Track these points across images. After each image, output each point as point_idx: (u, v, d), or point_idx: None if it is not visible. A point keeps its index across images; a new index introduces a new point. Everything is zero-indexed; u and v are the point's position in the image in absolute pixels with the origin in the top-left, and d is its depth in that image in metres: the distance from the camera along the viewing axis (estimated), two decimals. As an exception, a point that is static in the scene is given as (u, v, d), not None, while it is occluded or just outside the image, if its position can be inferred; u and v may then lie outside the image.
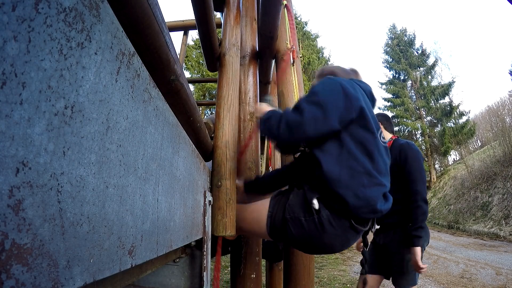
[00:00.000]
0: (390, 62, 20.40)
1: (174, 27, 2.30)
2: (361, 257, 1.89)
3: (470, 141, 17.30)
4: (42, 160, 0.25)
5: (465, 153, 15.43)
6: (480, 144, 17.43)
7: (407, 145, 1.72)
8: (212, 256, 1.26)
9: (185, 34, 2.33)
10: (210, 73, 8.87)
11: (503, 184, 9.14)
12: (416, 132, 18.97)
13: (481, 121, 17.63)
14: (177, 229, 0.67)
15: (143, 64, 0.48)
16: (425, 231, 1.68)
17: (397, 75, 20.31)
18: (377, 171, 0.93)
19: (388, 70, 20.69)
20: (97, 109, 0.34)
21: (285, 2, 1.70)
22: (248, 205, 1.14)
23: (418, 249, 1.57)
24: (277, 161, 2.66)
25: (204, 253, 0.95)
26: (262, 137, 2.22)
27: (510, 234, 7.33)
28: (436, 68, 19.32)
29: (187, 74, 14.32)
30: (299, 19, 17.81)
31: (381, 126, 1.82)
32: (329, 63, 17.55)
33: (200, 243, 0.96)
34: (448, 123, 17.43)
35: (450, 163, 18.09)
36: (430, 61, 19.68)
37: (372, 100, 1.08)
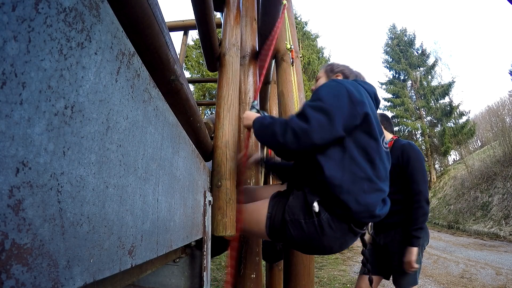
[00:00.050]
0: (390, 62, 20.40)
1: (174, 27, 2.30)
2: (361, 257, 1.89)
3: (470, 141, 17.29)
4: (42, 160, 0.25)
5: (465, 153, 15.43)
6: (480, 144, 17.43)
7: (409, 145, 1.73)
8: (213, 256, 1.26)
9: (185, 34, 2.33)
10: (210, 73, 8.87)
11: (503, 184, 9.14)
12: (416, 132, 18.97)
13: (481, 121, 17.63)
14: (177, 229, 0.67)
15: (143, 64, 0.48)
16: (425, 231, 1.68)
17: (397, 75, 20.31)
18: (377, 177, 0.93)
19: (388, 70, 20.70)
20: (97, 109, 0.34)
21: (284, 2, 1.70)
22: (248, 205, 1.14)
23: (415, 250, 1.58)
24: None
25: (204, 253, 0.95)
26: None
27: (510, 234, 7.33)
28: (436, 68, 19.34)
29: (187, 74, 14.32)
30: (299, 19, 17.81)
31: (382, 127, 1.83)
32: (329, 63, 17.51)
33: (200, 243, 0.96)
34: (448, 123, 17.43)
35: (450, 163, 18.09)
36: (430, 61, 19.69)
37: (376, 102, 1.08)
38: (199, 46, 13.57)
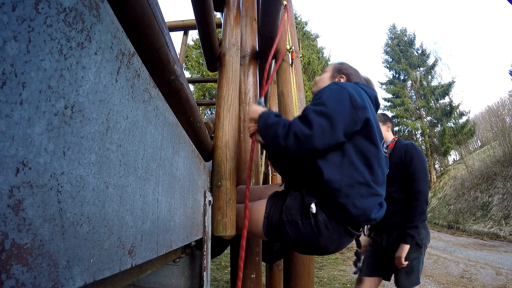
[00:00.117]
0: (390, 62, 20.40)
1: (174, 27, 2.30)
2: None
3: (470, 141, 17.31)
4: (42, 160, 0.25)
5: (465, 153, 15.44)
6: (480, 144, 17.43)
7: (412, 146, 1.76)
8: (212, 257, 1.25)
9: (185, 34, 2.33)
10: (210, 73, 8.87)
11: (503, 184, 9.14)
12: (416, 132, 18.98)
13: (481, 121, 17.64)
14: (177, 229, 0.67)
15: (143, 64, 0.48)
16: (426, 230, 1.69)
17: (397, 75, 20.31)
18: (375, 182, 0.95)
19: (388, 70, 20.71)
20: (97, 109, 0.34)
21: (285, 2, 1.70)
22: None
23: (406, 247, 1.60)
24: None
25: (204, 253, 0.95)
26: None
27: (510, 234, 7.33)
28: (436, 68, 19.36)
29: (187, 74, 14.32)
30: (299, 19, 17.82)
31: (389, 126, 1.85)
32: (329, 63, 17.52)
33: (200, 243, 0.96)
34: (448, 123, 17.44)
35: (450, 163, 18.09)
36: (430, 61, 19.70)
37: (376, 106, 1.09)
38: (199, 46, 13.58)
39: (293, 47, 1.82)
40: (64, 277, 0.28)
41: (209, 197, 1.05)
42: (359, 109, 0.92)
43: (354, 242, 1.13)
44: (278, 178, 2.63)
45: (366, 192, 0.92)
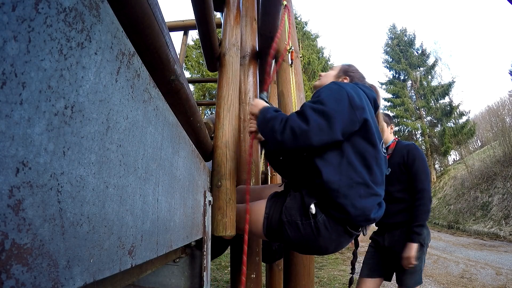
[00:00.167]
0: (390, 62, 20.40)
1: (174, 27, 2.30)
2: (362, 257, 1.89)
3: (470, 141, 17.31)
4: (42, 160, 0.25)
5: (465, 153, 15.44)
6: (480, 144, 17.44)
7: (414, 146, 1.79)
8: (213, 258, 1.25)
9: (185, 34, 2.33)
10: (210, 73, 8.87)
11: (503, 184, 9.14)
12: (416, 132, 18.98)
13: (481, 121, 17.64)
14: (177, 229, 0.67)
15: (143, 64, 0.48)
16: (426, 229, 1.69)
17: (397, 75, 20.31)
18: (373, 182, 0.95)
19: (388, 70, 20.71)
20: (97, 109, 0.34)
21: (285, 3, 1.70)
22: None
23: (415, 246, 1.59)
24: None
25: (204, 253, 0.95)
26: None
27: (510, 234, 7.33)
28: (436, 68, 19.36)
29: (187, 74, 14.31)
30: (299, 19, 17.82)
31: (392, 128, 1.88)
32: (329, 63, 17.55)
33: (200, 243, 0.96)
34: (448, 123, 17.44)
35: (450, 163, 18.09)
36: (430, 61, 19.70)
37: (375, 107, 1.08)
38: (199, 46, 13.58)
39: (293, 47, 1.82)
40: (64, 277, 0.28)
41: (209, 197, 1.05)
42: (357, 109, 0.92)
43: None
44: (278, 178, 2.63)
45: (364, 192, 0.92)
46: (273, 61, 1.91)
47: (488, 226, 8.43)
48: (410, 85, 19.75)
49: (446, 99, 18.13)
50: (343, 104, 0.91)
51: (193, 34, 16.76)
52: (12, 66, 0.22)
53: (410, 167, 1.70)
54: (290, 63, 1.80)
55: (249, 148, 1.18)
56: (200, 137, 0.96)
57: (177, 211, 0.67)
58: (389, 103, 19.51)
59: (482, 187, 10.30)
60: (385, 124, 1.83)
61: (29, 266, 0.23)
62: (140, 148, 0.47)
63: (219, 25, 1.91)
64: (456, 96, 35.06)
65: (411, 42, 20.42)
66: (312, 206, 0.94)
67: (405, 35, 20.71)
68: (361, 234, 1.06)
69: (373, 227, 1.84)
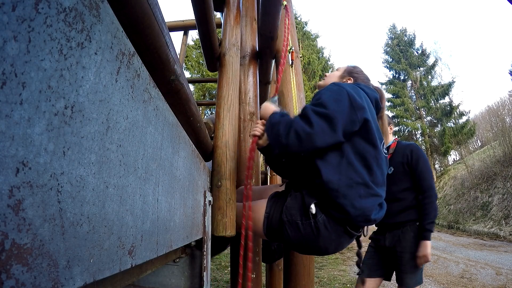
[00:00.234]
0: (390, 62, 20.40)
1: (174, 27, 2.30)
2: None
3: (470, 141, 17.30)
4: (42, 160, 0.25)
5: (465, 153, 15.44)
6: (480, 144, 17.43)
7: (416, 146, 1.81)
8: (213, 255, 1.25)
9: (185, 34, 2.33)
10: (210, 73, 8.87)
11: (503, 184, 9.14)
12: (416, 132, 18.98)
13: (481, 121, 17.64)
14: (177, 229, 0.67)
15: (143, 64, 0.48)
16: None
17: (397, 75, 20.31)
18: (374, 183, 0.95)
19: (388, 70, 20.70)
20: (97, 109, 0.34)
21: (285, 3, 1.70)
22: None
23: (429, 243, 1.61)
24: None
25: (204, 253, 0.95)
26: None
27: (510, 234, 7.33)
28: (436, 68, 19.36)
29: (187, 74, 14.32)
30: (299, 19, 17.82)
31: (391, 128, 1.90)
32: (329, 63, 17.55)
33: (200, 243, 0.96)
34: (448, 123, 17.44)
35: (450, 163, 18.09)
36: (430, 61, 19.70)
37: (377, 108, 1.08)
38: (199, 46, 13.57)
39: (293, 47, 1.82)
40: (64, 277, 0.28)
41: (209, 197, 1.05)
42: (358, 109, 0.93)
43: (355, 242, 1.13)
44: (278, 178, 2.63)
45: (364, 193, 0.92)
46: (273, 61, 1.91)
47: (488, 226, 8.43)
48: (410, 85, 19.75)
49: (446, 99, 18.14)
50: (343, 104, 0.91)
51: (193, 34, 16.77)
52: (12, 66, 0.22)
53: (415, 167, 1.71)
54: (290, 63, 1.80)
55: (250, 151, 1.18)
56: (200, 137, 0.96)
57: (177, 211, 0.67)
58: (389, 103, 19.49)
59: (482, 187, 10.30)
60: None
61: (29, 266, 0.23)
62: (140, 148, 0.47)
63: (219, 25, 1.91)
64: (456, 96, 35.08)
65: (411, 42, 20.42)
66: (312, 206, 0.94)
67: (405, 35, 20.71)
68: (362, 235, 1.06)
69: (372, 227, 1.84)
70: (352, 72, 1.22)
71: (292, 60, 1.78)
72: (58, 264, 0.27)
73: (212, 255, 1.23)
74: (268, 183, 2.53)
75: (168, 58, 0.60)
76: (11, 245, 0.22)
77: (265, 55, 1.77)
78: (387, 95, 19.78)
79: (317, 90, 1.08)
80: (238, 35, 1.45)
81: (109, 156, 0.37)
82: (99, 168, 0.34)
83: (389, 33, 21.46)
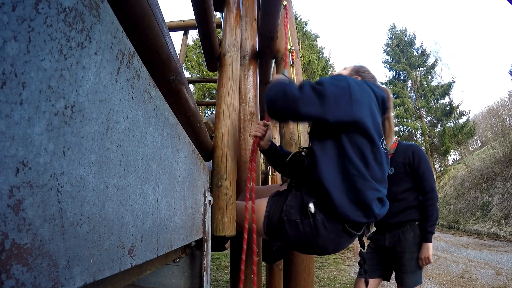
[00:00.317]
0: (390, 62, 20.40)
1: (174, 27, 2.30)
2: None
3: (470, 141, 17.31)
4: (42, 160, 0.25)
5: (465, 153, 15.45)
6: (480, 144, 17.43)
7: (417, 147, 1.81)
8: (213, 250, 1.25)
9: (185, 34, 2.33)
10: (210, 73, 8.87)
11: (503, 184, 9.15)
12: (416, 132, 18.98)
13: (481, 121, 17.64)
14: (177, 229, 0.67)
15: (143, 64, 0.48)
16: None
17: (397, 75, 20.32)
18: (372, 177, 0.93)
19: (388, 70, 20.72)
20: (97, 109, 0.34)
21: (285, 3, 1.70)
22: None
23: (431, 245, 1.62)
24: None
25: (204, 253, 0.95)
26: None
27: (510, 234, 7.33)
28: (436, 68, 19.39)
29: (187, 74, 14.31)
30: (299, 19, 17.81)
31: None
32: (329, 63, 17.56)
33: (200, 243, 0.96)
34: (448, 123, 17.45)
35: (450, 163, 18.09)
36: (430, 61, 19.71)
37: (384, 107, 1.06)
38: (199, 46, 13.57)
39: (293, 47, 1.82)
40: (64, 277, 0.28)
41: (209, 197, 1.05)
42: (354, 102, 0.91)
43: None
44: (278, 178, 2.63)
45: (361, 186, 0.91)
46: (273, 61, 1.91)
47: (488, 226, 8.43)
48: (410, 85, 19.76)
49: (446, 99, 18.16)
50: (341, 92, 0.91)
51: (193, 34, 16.76)
52: (12, 66, 0.22)
53: (417, 168, 1.71)
54: (291, 63, 1.80)
55: (251, 153, 1.18)
56: (200, 137, 0.96)
57: (177, 211, 0.67)
58: (389, 103, 19.46)
59: (482, 187, 10.30)
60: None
61: (29, 266, 0.23)
62: (140, 148, 0.47)
63: (219, 25, 1.91)
64: (456, 96, 35.08)
65: (411, 42, 20.43)
66: (311, 205, 0.94)
67: (405, 35, 20.72)
68: (363, 235, 1.04)
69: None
70: (359, 71, 1.22)
71: (292, 60, 1.78)
72: (58, 264, 0.27)
73: (213, 250, 1.23)
74: (269, 183, 2.53)
75: (168, 58, 0.60)
76: (11, 245, 0.22)
77: (265, 55, 1.77)
78: (387, 95, 19.74)
79: None
80: (238, 35, 1.45)
81: (109, 156, 0.37)
82: (99, 168, 0.34)
83: (389, 33, 21.48)
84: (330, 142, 0.95)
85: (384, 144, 1.02)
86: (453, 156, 19.00)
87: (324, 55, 17.85)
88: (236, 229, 1.13)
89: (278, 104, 0.93)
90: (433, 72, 19.29)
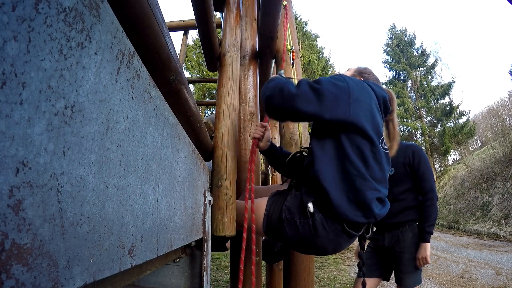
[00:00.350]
0: (390, 62, 20.40)
1: (174, 27, 2.30)
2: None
3: (470, 141, 17.31)
4: (42, 160, 0.25)
5: (465, 153, 15.45)
6: (480, 144, 17.43)
7: (418, 147, 1.80)
8: (213, 250, 1.25)
9: (185, 34, 2.33)
10: (210, 73, 8.86)
11: (503, 184, 9.15)
12: (416, 132, 18.98)
13: (481, 121, 17.64)
14: (177, 229, 0.67)
15: (143, 64, 0.48)
16: None
17: (397, 75, 20.31)
18: (371, 177, 0.92)
19: (388, 70, 20.71)
20: (97, 109, 0.34)
21: (285, 3, 1.70)
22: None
23: (428, 245, 1.62)
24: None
25: (204, 253, 0.95)
26: None
27: (510, 234, 7.33)
28: (436, 68, 19.39)
29: (187, 74, 14.31)
30: (299, 19, 17.81)
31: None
32: (329, 63, 17.56)
33: (200, 243, 0.96)
34: (448, 123, 17.45)
35: (450, 163, 18.09)
36: (430, 61, 19.71)
37: (386, 108, 1.05)
38: (199, 46, 13.57)
39: (293, 48, 1.82)
40: (64, 277, 0.28)
41: (209, 197, 1.05)
42: (353, 101, 0.91)
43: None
44: (278, 178, 2.63)
45: (360, 185, 0.90)
46: (273, 61, 1.91)
47: (488, 226, 8.43)
48: (410, 85, 19.76)
49: (446, 99, 18.16)
50: (340, 91, 0.91)
51: (193, 34, 16.76)
52: (12, 66, 0.22)
53: (417, 168, 1.71)
54: (291, 63, 1.80)
55: (250, 154, 1.18)
56: (200, 137, 0.96)
57: (177, 211, 0.67)
58: (389, 103, 19.46)
59: (482, 187, 10.31)
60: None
61: (29, 266, 0.23)
62: (140, 148, 0.47)
63: (219, 25, 1.91)
64: (456, 96, 35.10)
65: (411, 42, 20.43)
66: (310, 205, 0.93)
67: (405, 35, 20.72)
68: (363, 236, 1.04)
69: None
70: (362, 72, 1.22)
71: (292, 60, 1.78)
72: (58, 264, 0.27)
73: (213, 250, 1.24)
74: (270, 183, 2.53)
75: (168, 58, 0.60)
76: (11, 245, 0.22)
77: (265, 55, 1.77)
78: (387, 95, 19.74)
79: None
80: (238, 35, 1.45)
81: (109, 156, 0.37)
82: (99, 168, 0.34)
83: (389, 33, 21.47)
84: (329, 141, 0.95)
85: (384, 144, 1.02)
86: (453, 156, 19.02)
87: (324, 55, 17.85)
88: (236, 229, 1.13)
89: (275, 101, 0.93)
90: (433, 72, 19.30)
